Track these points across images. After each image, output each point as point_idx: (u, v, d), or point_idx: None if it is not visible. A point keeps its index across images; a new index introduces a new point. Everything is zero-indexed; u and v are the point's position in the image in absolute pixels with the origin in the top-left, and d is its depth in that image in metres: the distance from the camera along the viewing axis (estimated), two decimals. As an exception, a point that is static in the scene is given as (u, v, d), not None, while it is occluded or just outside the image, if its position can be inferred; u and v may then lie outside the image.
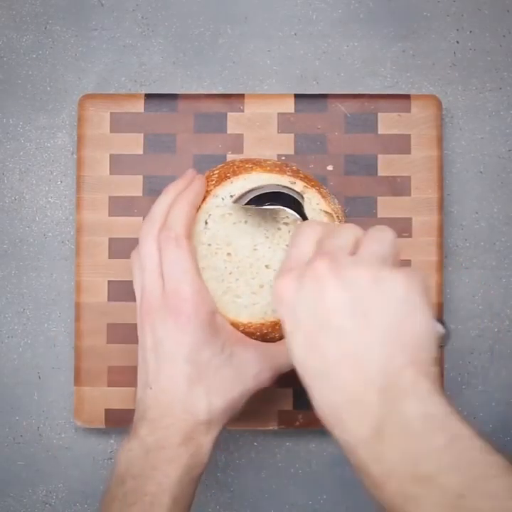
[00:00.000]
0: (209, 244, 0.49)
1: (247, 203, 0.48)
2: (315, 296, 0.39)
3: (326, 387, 0.38)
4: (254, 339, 0.49)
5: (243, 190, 0.49)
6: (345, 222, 0.52)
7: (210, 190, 0.50)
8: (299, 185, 0.50)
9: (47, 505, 0.59)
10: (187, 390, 0.46)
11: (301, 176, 0.51)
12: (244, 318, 0.49)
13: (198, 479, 0.46)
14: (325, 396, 0.38)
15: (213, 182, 0.50)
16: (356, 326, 0.38)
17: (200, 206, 0.49)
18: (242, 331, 0.49)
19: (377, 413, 0.36)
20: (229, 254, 0.49)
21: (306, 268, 0.40)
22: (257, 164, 0.51)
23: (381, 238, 0.40)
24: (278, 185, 0.49)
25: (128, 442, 0.45)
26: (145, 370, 0.47)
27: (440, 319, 0.40)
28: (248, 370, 0.47)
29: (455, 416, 0.35)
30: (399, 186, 0.57)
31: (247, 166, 0.51)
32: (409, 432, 0.35)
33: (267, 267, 0.50)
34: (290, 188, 0.49)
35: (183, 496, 0.44)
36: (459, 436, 0.34)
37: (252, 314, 0.49)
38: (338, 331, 0.38)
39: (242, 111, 0.57)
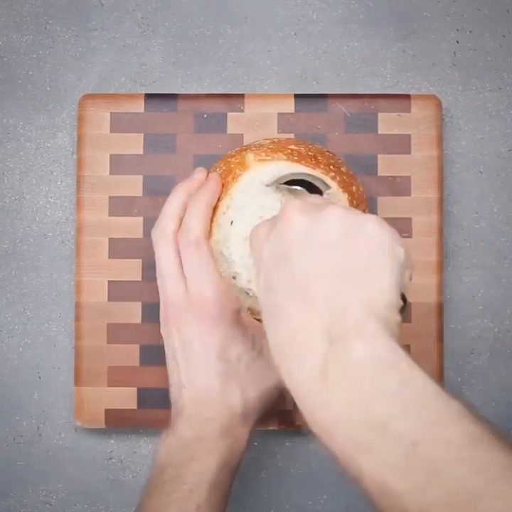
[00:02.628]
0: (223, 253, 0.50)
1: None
2: (279, 233, 0.38)
3: (276, 326, 0.36)
4: None
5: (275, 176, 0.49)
6: None
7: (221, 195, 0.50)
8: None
9: (47, 505, 0.59)
10: (221, 387, 0.47)
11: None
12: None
13: (235, 470, 0.47)
14: (274, 335, 0.36)
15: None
16: (311, 259, 0.36)
17: (216, 206, 0.49)
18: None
19: (322, 352, 0.33)
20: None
21: (279, 215, 0.39)
22: (251, 149, 0.51)
23: None
24: (303, 173, 0.49)
25: (167, 437, 0.47)
26: (177, 371, 0.48)
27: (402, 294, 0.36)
28: None
29: (405, 359, 0.33)
30: (399, 186, 0.57)
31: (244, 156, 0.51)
32: (355, 374, 0.32)
33: None
34: (315, 176, 0.49)
35: (221, 485, 0.45)
36: (410, 380, 0.32)
37: None
38: (291, 263, 0.36)
39: (242, 111, 0.57)
